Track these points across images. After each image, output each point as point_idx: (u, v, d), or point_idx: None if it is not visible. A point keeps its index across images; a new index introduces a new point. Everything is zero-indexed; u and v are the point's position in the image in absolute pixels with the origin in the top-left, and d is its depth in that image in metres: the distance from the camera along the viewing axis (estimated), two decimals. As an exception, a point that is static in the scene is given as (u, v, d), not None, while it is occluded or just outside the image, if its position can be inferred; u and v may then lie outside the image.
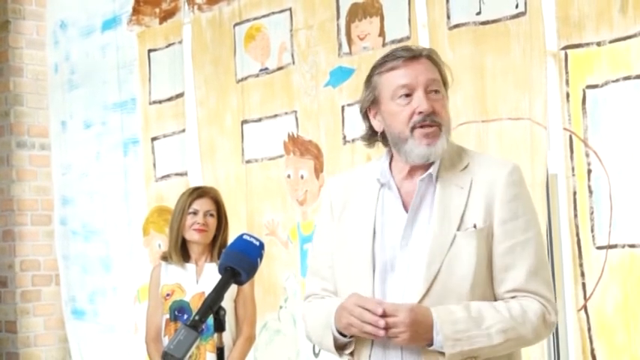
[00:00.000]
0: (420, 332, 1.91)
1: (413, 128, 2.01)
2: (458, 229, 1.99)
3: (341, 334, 2.02)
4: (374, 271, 2.03)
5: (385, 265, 2.03)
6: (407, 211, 2.04)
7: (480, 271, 1.99)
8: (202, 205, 3.57)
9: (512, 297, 2.00)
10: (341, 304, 2.00)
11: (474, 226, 1.99)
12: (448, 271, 1.97)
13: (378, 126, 2.11)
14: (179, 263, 3.56)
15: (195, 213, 3.55)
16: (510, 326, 1.95)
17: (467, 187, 2.03)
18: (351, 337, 2.02)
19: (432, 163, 2.05)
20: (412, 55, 2.05)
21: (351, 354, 2.05)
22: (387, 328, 1.89)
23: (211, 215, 3.58)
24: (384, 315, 1.89)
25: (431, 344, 1.92)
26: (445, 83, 2.10)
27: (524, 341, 2.01)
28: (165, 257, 3.62)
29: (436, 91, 2.05)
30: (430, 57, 2.08)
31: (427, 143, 2.01)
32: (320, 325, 2.09)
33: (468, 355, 1.93)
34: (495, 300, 2.02)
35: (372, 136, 2.15)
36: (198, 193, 3.61)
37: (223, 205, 3.65)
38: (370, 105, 2.11)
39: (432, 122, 2.01)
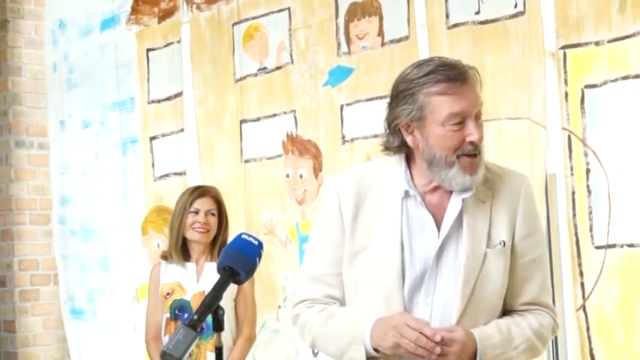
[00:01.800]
0: (463, 358, 1.94)
1: (460, 155, 1.97)
2: (487, 247, 2.02)
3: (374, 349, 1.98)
4: (403, 285, 2.00)
5: (416, 279, 2.01)
6: (437, 225, 2.02)
7: (504, 285, 2.04)
8: (203, 204, 3.56)
9: (525, 309, 2.07)
10: (388, 322, 1.94)
11: (503, 244, 2.03)
12: (481, 289, 2.00)
13: (412, 142, 2.02)
14: (179, 262, 3.55)
15: (196, 212, 3.54)
16: (532, 343, 2.04)
17: (489, 201, 2.04)
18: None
19: None
20: (465, 79, 1.97)
21: None
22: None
23: (212, 214, 3.57)
24: (440, 342, 1.89)
25: None
26: None
27: (537, 354, 2.09)
28: (165, 256, 3.61)
29: (480, 116, 2.02)
30: (474, 76, 2.01)
31: (470, 173, 1.99)
32: (343, 338, 2.02)
33: None
34: (504, 309, 2.08)
35: (399, 148, 2.07)
36: (200, 192, 3.61)
37: (224, 205, 3.64)
38: (409, 121, 2.01)
39: (477, 152, 1.99)
